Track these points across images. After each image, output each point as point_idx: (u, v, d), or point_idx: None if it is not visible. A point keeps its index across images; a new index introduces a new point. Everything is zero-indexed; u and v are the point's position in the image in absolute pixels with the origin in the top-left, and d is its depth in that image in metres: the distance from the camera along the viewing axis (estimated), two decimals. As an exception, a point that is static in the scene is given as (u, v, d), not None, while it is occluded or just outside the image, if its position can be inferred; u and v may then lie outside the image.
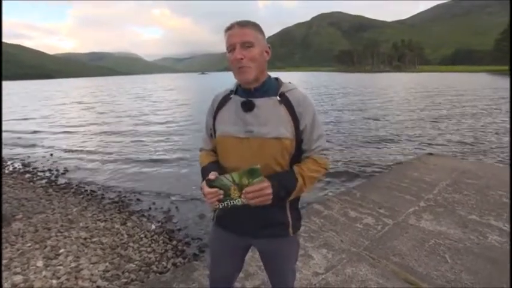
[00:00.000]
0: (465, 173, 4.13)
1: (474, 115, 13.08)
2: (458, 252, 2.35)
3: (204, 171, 1.16)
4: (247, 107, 1.10)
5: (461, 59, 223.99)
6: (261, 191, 0.98)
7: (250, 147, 1.08)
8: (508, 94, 21.05)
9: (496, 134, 9.49)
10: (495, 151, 7.59)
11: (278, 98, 1.11)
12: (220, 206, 1.03)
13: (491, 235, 2.59)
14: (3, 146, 8.73)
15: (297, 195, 1.12)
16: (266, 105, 1.10)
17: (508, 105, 15.49)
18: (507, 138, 8.79)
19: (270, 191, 1.00)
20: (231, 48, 1.06)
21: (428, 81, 46.08)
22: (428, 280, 2.04)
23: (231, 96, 1.17)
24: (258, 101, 1.10)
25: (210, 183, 1.02)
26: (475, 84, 34.40)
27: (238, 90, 1.17)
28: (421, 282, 2.01)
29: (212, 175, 1.04)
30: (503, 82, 37.34)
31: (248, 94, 1.12)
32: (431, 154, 5.37)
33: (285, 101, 1.10)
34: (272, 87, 1.14)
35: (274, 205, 1.07)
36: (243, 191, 0.98)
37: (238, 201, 1.00)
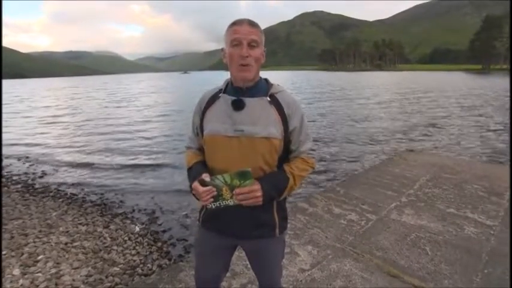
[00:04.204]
0: (444, 168, 4.29)
1: (455, 112, 13.60)
2: (438, 244, 2.45)
3: (192, 172, 1.16)
4: (238, 105, 1.09)
5: (439, 57, 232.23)
6: (251, 193, 1.02)
7: (239, 146, 1.08)
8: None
9: (475, 130, 9.91)
10: (473, 146, 7.93)
11: (268, 98, 1.12)
12: (214, 206, 1.06)
13: (467, 227, 2.71)
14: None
15: (288, 193, 1.15)
16: (256, 105, 1.10)
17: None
18: (484, 134, 9.20)
19: (259, 193, 1.03)
20: (236, 42, 1.05)
21: (409, 79, 47.47)
22: (410, 272, 2.11)
23: (220, 95, 1.16)
24: (248, 101, 1.10)
25: (203, 184, 1.04)
26: (455, 83, 35.71)
27: (228, 89, 1.16)
28: (403, 275, 2.08)
29: (206, 176, 1.05)
30: (481, 81, 39.05)
31: (239, 93, 1.12)
32: (411, 151, 5.55)
33: (275, 102, 1.12)
34: (262, 88, 1.15)
35: (265, 204, 1.09)
36: (234, 192, 1.02)
37: (231, 201, 1.04)
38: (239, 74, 1.07)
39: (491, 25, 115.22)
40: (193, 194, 1.11)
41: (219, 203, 1.05)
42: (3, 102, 25.36)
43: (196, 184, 1.06)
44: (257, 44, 1.06)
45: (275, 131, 1.08)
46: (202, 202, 1.07)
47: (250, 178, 1.01)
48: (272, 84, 1.18)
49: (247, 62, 1.05)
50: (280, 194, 1.11)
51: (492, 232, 2.61)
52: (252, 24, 1.06)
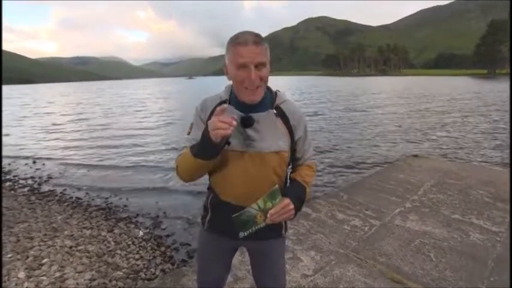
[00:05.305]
0: (448, 174, 4.25)
1: (460, 117, 13.47)
2: (443, 250, 2.42)
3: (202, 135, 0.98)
4: (248, 123, 1.07)
5: (443, 62, 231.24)
6: (285, 208, 1.02)
7: (251, 161, 1.08)
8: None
9: (480, 135, 9.81)
10: (478, 151, 7.84)
11: (274, 111, 1.12)
12: (246, 234, 1.05)
13: (473, 233, 2.67)
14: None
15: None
16: (265, 120, 1.10)
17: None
18: (490, 139, 9.10)
19: (292, 206, 1.03)
20: (242, 66, 0.99)
21: (415, 84, 47.17)
22: (413, 279, 2.09)
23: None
24: (257, 116, 1.08)
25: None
26: (462, 88, 35.39)
27: (232, 100, 1.12)
28: (407, 281, 2.06)
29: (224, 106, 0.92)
30: (487, 85, 38.71)
31: (246, 108, 1.08)
32: (416, 156, 5.50)
33: (281, 114, 1.13)
34: (268, 100, 1.14)
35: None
36: (268, 215, 1.01)
37: (263, 223, 1.04)
38: (248, 97, 1.05)
39: (497, 29, 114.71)
40: (204, 140, 0.95)
41: (251, 229, 1.04)
42: (11, 106, 25.77)
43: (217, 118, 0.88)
44: (264, 64, 1.01)
45: (283, 144, 1.10)
46: (221, 131, 0.88)
47: (279, 195, 1.01)
48: (276, 94, 1.16)
49: (255, 85, 1.01)
50: (303, 204, 1.13)
51: (498, 239, 2.58)
52: (258, 42, 0.98)
